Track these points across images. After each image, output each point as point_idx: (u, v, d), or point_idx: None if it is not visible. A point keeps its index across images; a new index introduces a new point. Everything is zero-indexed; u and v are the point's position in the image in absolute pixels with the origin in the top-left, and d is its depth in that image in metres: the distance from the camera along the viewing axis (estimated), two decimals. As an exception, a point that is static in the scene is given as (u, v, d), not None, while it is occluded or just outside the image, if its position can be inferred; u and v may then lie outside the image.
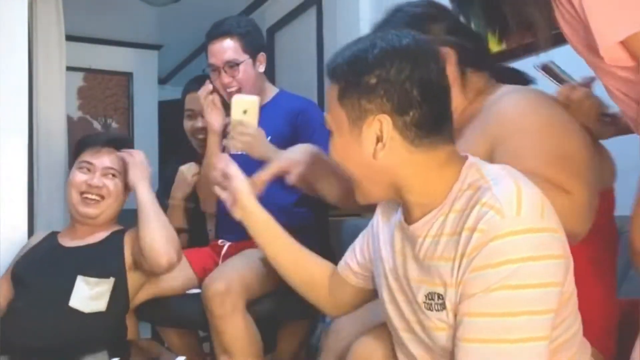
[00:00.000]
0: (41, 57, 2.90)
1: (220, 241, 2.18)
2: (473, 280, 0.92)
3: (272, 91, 2.24)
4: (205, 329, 2.19)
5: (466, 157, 1.04)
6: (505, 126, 1.20)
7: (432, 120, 1.00)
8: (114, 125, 5.39)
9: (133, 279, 1.90)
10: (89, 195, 1.90)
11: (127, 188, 1.97)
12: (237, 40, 2.10)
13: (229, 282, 1.77)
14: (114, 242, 1.93)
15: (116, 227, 1.99)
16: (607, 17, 0.90)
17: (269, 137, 2.03)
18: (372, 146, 1.00)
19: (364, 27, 3.15)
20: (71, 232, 1.99)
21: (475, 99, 1.33)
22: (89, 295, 1.79)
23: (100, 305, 1.80)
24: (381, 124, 0.98)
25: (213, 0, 3.89)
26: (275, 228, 1.33)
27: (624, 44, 0.90)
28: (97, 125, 5.31)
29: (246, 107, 1.87)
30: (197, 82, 2.38)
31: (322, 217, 2.31)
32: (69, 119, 3.78)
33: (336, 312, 1.35)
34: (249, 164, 2.05)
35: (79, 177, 1.91)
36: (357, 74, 1.00)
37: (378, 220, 1.21)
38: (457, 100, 1.29)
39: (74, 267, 1.82)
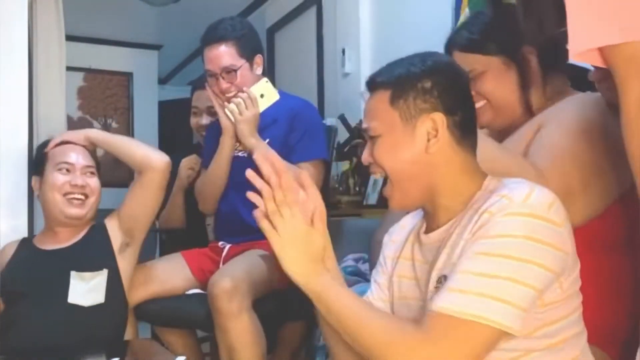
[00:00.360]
0: (41, 57, 2.89)
1: (220, 243, 2.18)
2: (470, 246, 1.00)
3: None
4: (205, 329, 2.19)
5: (486, 174, 1.14)
6: (551, 118, 1.31)
7: (470, 123, 1.13)
8: (114, 125, 5.39)
9: (124, 264, 1.91)
10: (74, 196, 1.89)
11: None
12: (232, 45, 2.08)
13: (236, 281, 1.77)
14: (97, 234, 1.94)
15: (92, 223, 2.00)
16: (585, 23, 0.89)
17: (268, 140, 2.04)
18: (424, 142, 1.09)
19: (364, 27, 3.15)
20: (50, 236, 1.97)
21: (552, 98, 1.39)
22: (86, 289, 1.80)
23: (99, 297, 1.81)
24: (434, 122, 1.09)
25: (213, 1, 3.89)
26: None
27: (600, 49, 0.89)
28: (97, 125, 5.31)
29: (265, 94, 2.01)
30: (204, 80, 2.39)
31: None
32: (69, 119, 3.78)
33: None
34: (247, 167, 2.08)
35: (60, 178, 1.90)
36: (412, 80, 1.11)
37: (386, 250, 1.28)
38: (534, 98, 1.39)
39: (65, 268, 1.83)
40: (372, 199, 2.67)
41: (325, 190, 2.37)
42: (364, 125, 1.16)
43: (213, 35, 2.10)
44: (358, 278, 1.95)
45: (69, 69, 3.14)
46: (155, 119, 5.55)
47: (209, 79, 2.14)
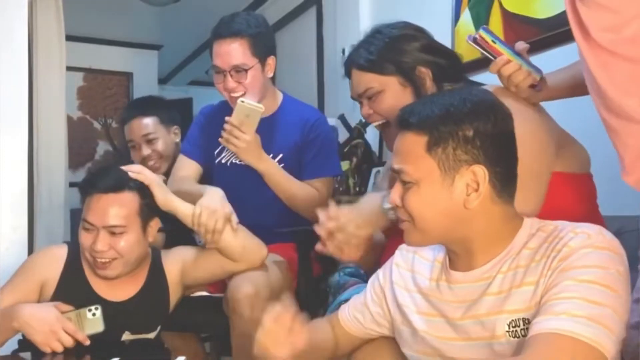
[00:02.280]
0: (41, 57, 2.90)
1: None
2: (560, 278, 0.96)
3: (278, 98, 2.10)
4: (209, 331, 2.18)
5: (522, 217, 1.10)
6: None
7: (511, 174, 1.06)
8: (114, 125, 5.39)
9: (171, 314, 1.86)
10: (99, 260, 1.67)
11: (147, 232, 1.72)
12: (246, 43, 1.90)
13: (258, 286, 1.71)
14: (156, 286, 1.79)
15: (147, 260, 1.80)
16: None
17: (281, 155, 1.98)
18: (463, 195, 1.02)
19: (364, 27, 3.13)
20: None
21: None
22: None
23: None
24: (475, 174, 1.02)
25: (213, 1, 3.89)
26: None
27: None
28: (97, 125, 5.31)
29: (249, 113, 1.82)
30: (131, 110, 2.32)
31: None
32: (69, 119, 3.78)
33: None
34: (249, 175, 1.98)
35: (85, 239, 1.68)
36: (452, 125, 1.02)
37: (397, 289, 1.23)
38: None
39: (119, 326, 1.73)
40: (372, 199, 2.67)
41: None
42: (396, 166, 1.07)
43: (226, 29, 1.91)
44: (357, 279, 1.95)
45: (69, 69, 3.15)
46: (155, 119, 5.55)
47: (215, 75, 1.95)
